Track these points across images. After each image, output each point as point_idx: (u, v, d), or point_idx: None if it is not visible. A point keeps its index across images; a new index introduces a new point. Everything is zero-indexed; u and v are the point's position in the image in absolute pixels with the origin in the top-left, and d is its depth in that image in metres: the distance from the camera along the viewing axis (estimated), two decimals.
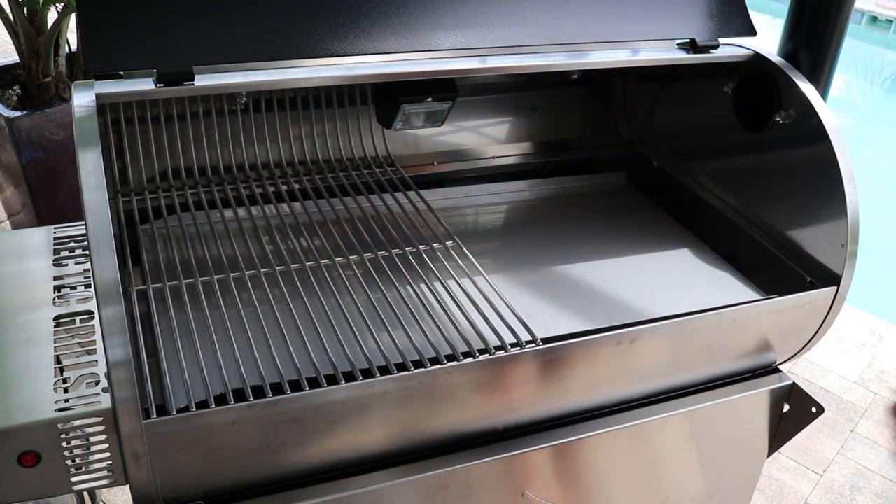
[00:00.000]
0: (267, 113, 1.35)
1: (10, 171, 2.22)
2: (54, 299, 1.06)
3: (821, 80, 1.46)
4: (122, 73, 1.03)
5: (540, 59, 1.22)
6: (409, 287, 1.11)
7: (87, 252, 0.92)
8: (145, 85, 1.02)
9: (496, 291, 1.11)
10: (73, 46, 2.32)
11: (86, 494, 1.29)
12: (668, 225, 1.39)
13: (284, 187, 1.31)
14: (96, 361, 0.95)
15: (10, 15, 2.22)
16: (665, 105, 1.57)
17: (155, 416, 0.85)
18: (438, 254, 1.19)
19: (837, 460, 2.20)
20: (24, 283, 1.08)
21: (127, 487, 0.88)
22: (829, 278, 1.21)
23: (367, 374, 0.93)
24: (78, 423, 0.86)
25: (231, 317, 1.01)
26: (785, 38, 1.47)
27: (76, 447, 0.87)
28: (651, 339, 1.08)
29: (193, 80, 1.02)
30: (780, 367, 1.29)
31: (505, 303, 1.09)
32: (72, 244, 1.18)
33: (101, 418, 0.86)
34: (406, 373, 0.94)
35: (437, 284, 1.11)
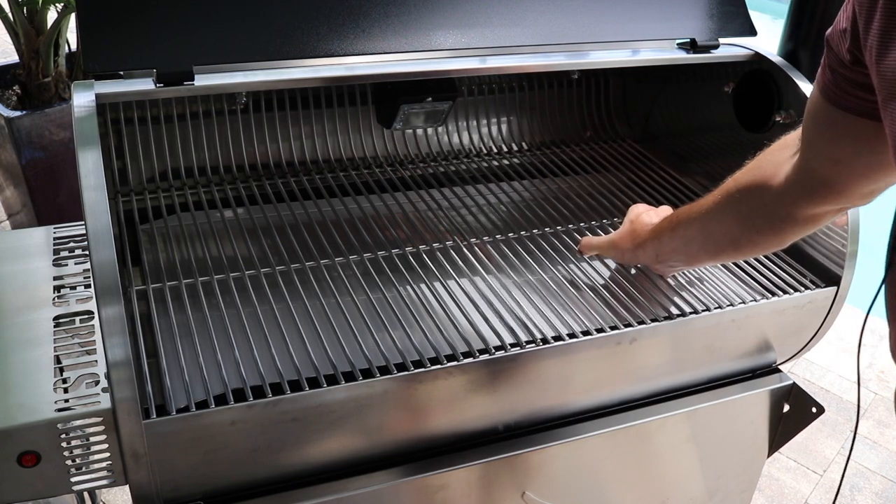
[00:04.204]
0: (267, 113, 1.35)
1: (10, 171, 2.22)
2: (54, 299, 1.06)
3: None
4: (121, 73, 1.03)
5: (540, 59, 1.21)
6: (409, 287, 1.11)
7: (87, 252, 0.92)
8: (145, 85, 1.02)
9: (496, 291, 1.11)
10: (73, 46, 2.32)
11: (86, 494, 1.29)
12: None
13: (284, 187, 1.31)
14: (96, 361, 0.95)
15: (10, 15, 2.22)
16: (665, 105, 1.57)
17: (155, 416, 0.85)
18: (438, 254, 1.19)
19: (838, 460, 2.20)
20: (23, 283, 1.08)
21: (127, 487, 0.88)
22: (829, 278, 1.21)
23: (367, 374, 0.93)
24: (78, 423, 0.86)
25: (231, 317, 1.01)
26: (785, 38, 1.47)
27: (76, 447, 0.87)
28: (651, 339, 1.08)
29: (193, 80, 1.02)
30: (780, 367, 1.29)
31: (505, 303, 1.09)
32: (72, 244, 1.17)
33: (101, 418, 0.86)
34: (406, 373, 0.94)
35: (437, 284, 1.11)
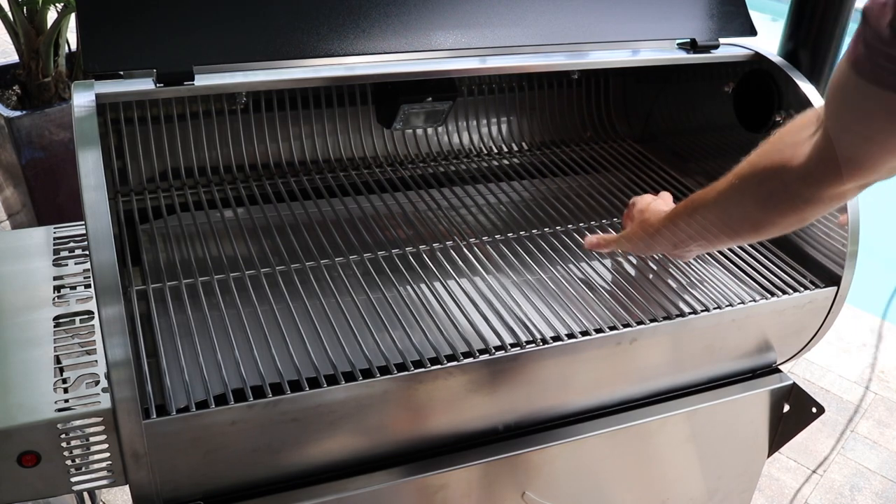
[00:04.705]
0: (267, 113, 1.35)
1: (10, 171, 2.22)
2: (54, 299, 1.06)
3: (821, 80, 1.46)
4: (121, 73, 1.03)
5: (540, 59, 1.21)
6: (409, 287, 1.11)
7: (87, 252, 0.92)
8: (145, 85, 1.02)
9: (496, 291, 1.11)
10: (73, 46, 2.32)
11: (86, 494, 1.29)
12: None
13: (284, 187, 1.31)
14: (96, 361, 0.95)
15: (10, 15, 2.22)
16: (665, 105, 1.57)
17: (155, 416, 0.85)
18: (438, 254, 1.19)
19: (838, 460, 2.20)
20: (23, 283, 1.08)
21: (127, 487, 0.88)
22: (829, 278, 1.21)
23: (367, 374, 0.93)
24: (78, 423, 0.86)
25: (231, 317, 1.01)
26: (785, 38, 1.47)
27: (76, 447, 0.87)
28: (651, 339, 1.08)
29: (193, 79, 1.02)
30: (780, 367, 1.29)
31: (505, 303, 1.09)
32: (72, 244, 1.18)
33: (101, 418, 0.86)
34: (406, 373, 0.94)
35: (437, 284, 1.11)
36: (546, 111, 1.57)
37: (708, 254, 1.26)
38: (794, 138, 0.90)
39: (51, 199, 2.21)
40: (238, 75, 1.05)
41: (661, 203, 1.16)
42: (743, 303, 1.14)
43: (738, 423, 1.26)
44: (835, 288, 1.20)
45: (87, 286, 1.09)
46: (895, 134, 0.77)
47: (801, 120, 0.90)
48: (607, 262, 1.24)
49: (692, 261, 1.23)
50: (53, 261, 1.13)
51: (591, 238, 1.21)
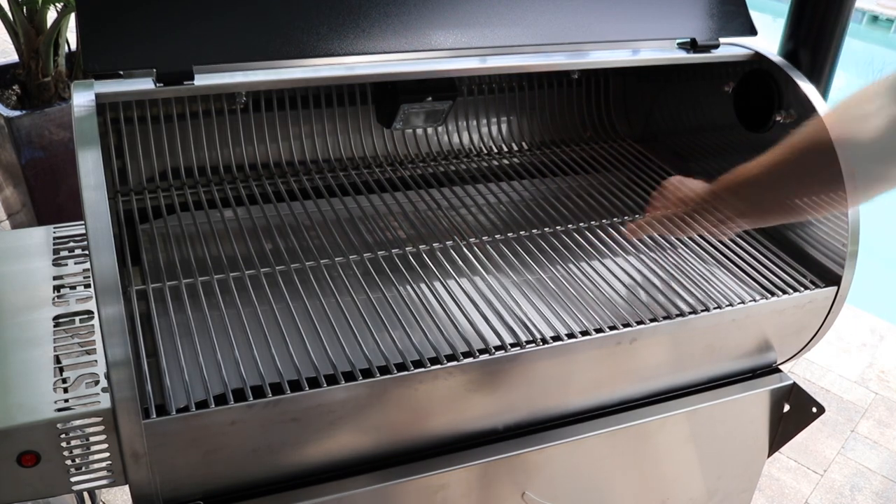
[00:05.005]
0: (267, 113, 1.35)
1: (10, 171, 2.22)
2: (54, 299, 1.06)
3: (821, 79, 1.46)
4: (121, 72, 1.03)
5: (540, 59, 1.21)
6: (409, 287, 1.11)
7: (87, 252, 0.92)
8: (145, 84, 1.02)
9: (496, 291, 1.11)
10: (73, 46, 2.32)
11: (86, 494, 1.29)
12: None
13: (284, 187, 1.31)
14: (96, 361, 0.95)
15: (10, 15, 2.22)
16: (665, 105, 1.57)
17: (155, 416, 0.85)
18: (438, 254, 1.19)
19: (838, 460, 2.20)
20: (23, 283, 1.08)
21: (127, 487, 0.88)
22: (830, 278, 1.21)
23: (367, 374, 0.93)
24: (77, 423, 0.86)
25: (231, 317, 1.01)
26: (785, 38, 1.47)
27: (76, 447, 0.87)
28: (651, 339, 1.08)
29: (193, 79, 1.02)
30: (780, 367, 1.29)
31: (505, 303, 1.09)
32: (71, 244, 1.18)
33: (100, 418, 0.86)
34: (406, 373, 0.94)
35: (437, 284, 1.11)
36: (546, 111, 1.57)
37: (708, 254, 1.26)
38: (859, 111, 0.83)
39: (51, 199, 2.21)
40: (238, 75, 1.05)
41: (694, 182, 1.14)
42: (743, 303, 1.14)
43: (738, 423, 1.26)
44: (835, 288, 1.20)
45: (87, 286, 1.09)
46: None
47: (867, 92, 0.84)
48: (607, 261, 1.24)
49: (692, 261, 1.23)
50: (53, 260, 1.13)
51: (630, 226, 1.22)
